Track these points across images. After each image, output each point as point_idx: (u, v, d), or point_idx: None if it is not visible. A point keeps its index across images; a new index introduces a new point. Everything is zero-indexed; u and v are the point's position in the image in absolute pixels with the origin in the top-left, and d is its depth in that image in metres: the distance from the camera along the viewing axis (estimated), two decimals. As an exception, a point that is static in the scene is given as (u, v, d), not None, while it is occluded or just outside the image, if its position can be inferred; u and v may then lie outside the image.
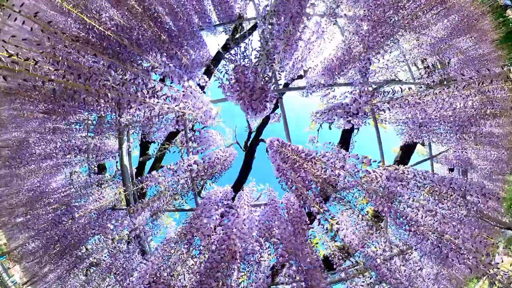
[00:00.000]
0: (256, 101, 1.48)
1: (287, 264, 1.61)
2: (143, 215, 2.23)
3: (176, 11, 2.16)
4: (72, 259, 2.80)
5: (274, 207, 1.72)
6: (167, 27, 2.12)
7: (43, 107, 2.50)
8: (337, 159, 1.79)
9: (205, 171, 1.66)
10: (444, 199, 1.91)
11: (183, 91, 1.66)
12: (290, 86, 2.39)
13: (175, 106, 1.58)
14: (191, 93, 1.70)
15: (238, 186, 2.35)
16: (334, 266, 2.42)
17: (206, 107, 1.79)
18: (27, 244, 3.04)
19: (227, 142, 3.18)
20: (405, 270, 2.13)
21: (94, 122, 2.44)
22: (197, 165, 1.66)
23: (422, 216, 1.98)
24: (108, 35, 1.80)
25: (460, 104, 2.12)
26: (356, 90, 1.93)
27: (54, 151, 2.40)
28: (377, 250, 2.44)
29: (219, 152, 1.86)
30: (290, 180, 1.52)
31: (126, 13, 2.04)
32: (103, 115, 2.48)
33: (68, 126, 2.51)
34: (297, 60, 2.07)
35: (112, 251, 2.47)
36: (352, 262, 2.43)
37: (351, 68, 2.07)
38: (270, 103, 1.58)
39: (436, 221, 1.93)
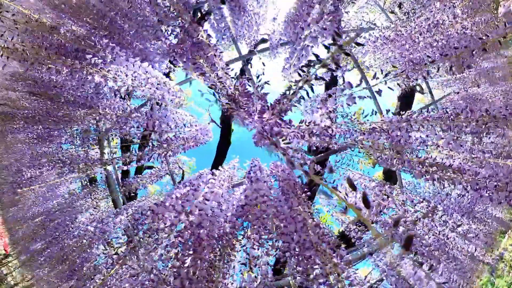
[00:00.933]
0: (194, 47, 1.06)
1: (286, 246, 1.08)
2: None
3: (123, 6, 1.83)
4: (83, 281, 2.43)
5: (255, 175, 1.24)
6: (118, 23, 1.79)
7: (29, 133, 2.24)
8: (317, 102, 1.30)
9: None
10: (466, 126, 1.31)
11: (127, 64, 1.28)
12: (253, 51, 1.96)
13: (123, 75, 1.20)
14: (137, 66, 1.31)
15: (216, 165, 1.90)
16: (353, 241, 1.83)
17: (160, 80, 1.39)
18: (45, 277, 2.71)
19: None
20: (439, 232, 1.50)
21: (79, 134, 2.14)
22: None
23: (444, 158, 1.38)
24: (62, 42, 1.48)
25: (449, 17, 1.56)
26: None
27: (41, 169, 2.09)
28: (397, 215, 1.84)
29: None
30: (263, 133, 1.03)
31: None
32: (85, 128, 2.17)
33: (55, 148, 2.22)
34: (252, 20, 1.65)
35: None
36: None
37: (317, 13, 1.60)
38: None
39: (463, 160, 1.33)
